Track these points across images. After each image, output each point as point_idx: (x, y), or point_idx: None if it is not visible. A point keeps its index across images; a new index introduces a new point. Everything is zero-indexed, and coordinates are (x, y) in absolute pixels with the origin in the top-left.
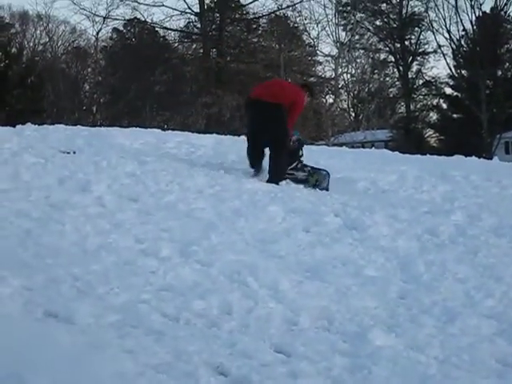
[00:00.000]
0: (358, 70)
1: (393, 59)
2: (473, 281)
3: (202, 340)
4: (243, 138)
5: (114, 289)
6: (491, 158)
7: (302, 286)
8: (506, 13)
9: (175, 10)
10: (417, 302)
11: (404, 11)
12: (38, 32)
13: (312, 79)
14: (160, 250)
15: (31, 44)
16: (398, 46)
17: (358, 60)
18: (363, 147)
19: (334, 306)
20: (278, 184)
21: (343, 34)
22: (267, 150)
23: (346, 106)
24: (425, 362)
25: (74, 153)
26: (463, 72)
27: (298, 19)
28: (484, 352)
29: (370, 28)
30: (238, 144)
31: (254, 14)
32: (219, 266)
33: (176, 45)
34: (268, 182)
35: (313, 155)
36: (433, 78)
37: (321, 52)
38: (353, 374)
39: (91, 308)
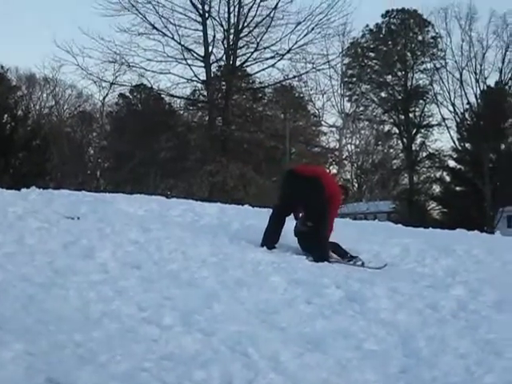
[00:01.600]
0: (362, 141)
1: (397, 131)
2: (473, 356)
3: None
4: (246, 207)
5: (115, 356)
6: (493, 232)
7: (302, 357)
8: (510, 87)
9: (182, 77)
10: (417, 378)
11: (409, 83)
12: (45, 95)
13: (316, 149)
14: (162, 318)
15: (37, 107)
16: (403, 117)
17: (363, 131)
18: (366, 218)
19: (334, 378)
20: (324, 261)
21: (348, 104)
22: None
23: (349, 176)
24: None
25: (79, 218)
26: (467, 145)
27: (303, 89)
28: None
29: (375, 99)
30: (242, 213)
31: (259, 83)
32: (221, 336)
33: (182, 112)
34: (315, 260)
35: None
36: (436, 150)
37: (325, 122)
38: None
39: (93, 375)
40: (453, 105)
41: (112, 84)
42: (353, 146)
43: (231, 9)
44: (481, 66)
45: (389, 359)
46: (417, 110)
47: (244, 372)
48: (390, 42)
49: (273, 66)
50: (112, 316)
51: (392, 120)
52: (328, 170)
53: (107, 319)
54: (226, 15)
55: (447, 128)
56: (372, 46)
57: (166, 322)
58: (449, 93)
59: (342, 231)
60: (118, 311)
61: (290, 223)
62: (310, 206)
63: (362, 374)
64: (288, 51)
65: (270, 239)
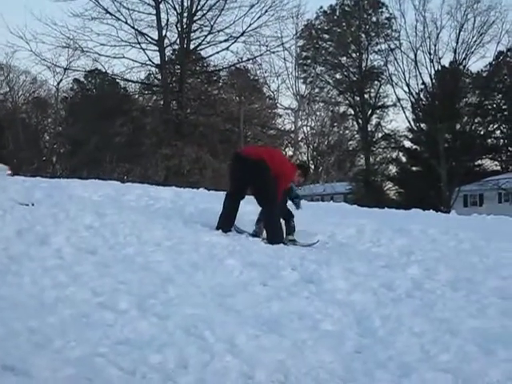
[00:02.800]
0: (318, 123)
1: (352, 112)
2: (429, 335)
3: None
4: (202, 190)
5: (70, 342)
6: (449, 212)
7: (258, 339)
8: (464, 67)
9: (136, 61)
10: (372, 357)
11: (364, 65)
12: None
13: (272, 132)
14: (117, 303)
15: None
16: (358, 99)
17: (318, 113)
18: (322, 200)
19: (290, 360)
20: (279, 243)
21: (303, 86)
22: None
23: (305, 158)
24: None
25: (33, 205)
26: (422, 125)
27: (258, 72)
28: None
29: (330, 81)
30: (197, 197)
31: (214, 66)
32: (176, 320)
33: (136, 96)
34: (269, 243)
35: None
36: (392, 131)
37: (281, 105)
38: None
39: (48, 361)
40: (408, 85)
41: (66, 69)
42: (308, 128)
43: None
44: (435, 46)
45: (344, 339)
46: (372, 91)
47: (200, 355)
48: (344, 24)
49: (227, 49)
50: (67, 302)
51: (347, 101)
52: (280, 150)
53: (62, 305)
54: None
55: (402, 108)
56: (326, 28)
57: (121, 306)
58: (403, 73)
59: (298, 213)
60: (73, 297)
61: (245, 206)
62: (257, 190)
63: (317, 354)
64: (242, 34)
65: (225, 222)
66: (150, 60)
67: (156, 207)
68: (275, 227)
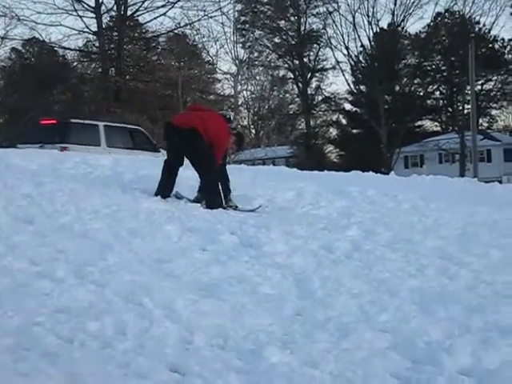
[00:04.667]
0: (258, 87)
1: (292, 76)
2: (367, 296)
3: (96, 361)
4: (141, 157)
5: (7, 312)
6: (389, 173)
7: (197, 304)
8: (403, 28)
9: (73, 29)
10: (312, 318)
11: (302, 28)
12: None
13: (211, 97)
14: (55, 272)
15: None
16: (297, 62)
17: (258, 77)
18: (264, 164)
19: (229, 324)
20: (218, 208)
21: (242, 51)
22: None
23: (246, 123)
24: (319, 378)
25: None
26: (362, 88)
27: (196, 37)
28: (378, 366)
29: (269, 45)
30: (136, 164)
31: (152, 32)
32: (114, 287)
33: (75, 64)
34: (208, 208)
35: None
36: (332, 94)
37: (220, 70)
38: None
39: None
40: (347, 48)
41: (3, 38)
42: (248, 93)
43: None
44: (373, 8)
45: (284, 302)
46: (311, 54)
47: (138, 321)
48: None
49: (164, 14)
50: (3, 271)
51: (287, 65)
52: (218, 114)
53: None
54: None
55: (342, 71)
56: None
57: (58, 275)
58: (342, 36)
59: (237, 177)
60: (10, 266)
61: (184, 171)
62: (192, 159)
63: (256, 318)
64: None
65: (164, 189)
66: (87, 27)
67: (95, 175)
68: (213, 192)
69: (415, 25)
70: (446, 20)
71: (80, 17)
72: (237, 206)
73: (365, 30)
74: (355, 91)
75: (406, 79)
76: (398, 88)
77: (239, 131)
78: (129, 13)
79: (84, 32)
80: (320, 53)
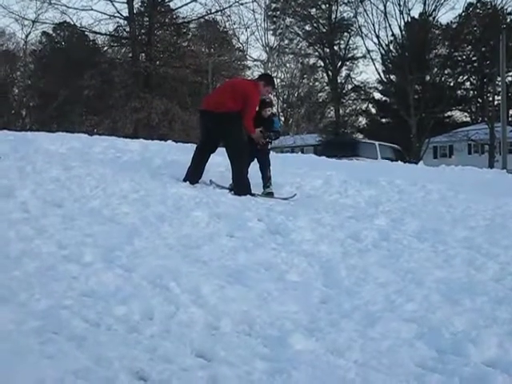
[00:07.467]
0: (288, 75)
1: (322, 64)
2: (394, 285)
3: (122, 345)
4: (170, 142)
5: (35, 295)
6: (417, 163)
7: (223, 290)
8: (434, 18)
9: (104, 14)
10: (338, 307)
11: (333, 16)
12: None
13: None
14: (83, 256)
15: None
16: (328, 50)
17: (288, 65)
18: (293, 152)
19: (255, 310)
20: (246, 195)
21: (272, 38)
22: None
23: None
24: (344, 366)
25: (0, 158)
26: (392, 77)
27: (227, 24)
28: (403, 355)
29: (300, 33)
30: (165, 149)
31: (183, 18)
32: (142, 271)
33: (105, 49)
34: (236, 194)
35: None
36: (362, 82)
37: (250, 57)
38: (273, 378)
39: (12, 314)
40: (377, 37)
41: (34, 22)
42: (278, 80)
43: None
44: None
45: (310, 290)
46: (341, 42)
47: (165, 306)
48: None
49: (195, 0)
50: (32, 255)
51: (317, 53)
52: (239, 78)
53: (27, 258)
54: None
55: (372, 60)
56: None
57: (86, 259)
58: (373, 25)
59: None
60: (38, 250)
61: (214, 157)
62: (226, 142)
63: (282, 305)
64: None
65: (193, 174)
66: (118, 12)
67: (123, 160)
68: (242, 179)
69: (446, 15)
70: (478, 10)
71: (111, 1)
72: (273, 194)
73: (396, 19)
74: (385, 80)
75: (436, 69)
76: (428, 78)
77: (262, 74)
78: None
79: (115, 17)
80: (350, 41)
